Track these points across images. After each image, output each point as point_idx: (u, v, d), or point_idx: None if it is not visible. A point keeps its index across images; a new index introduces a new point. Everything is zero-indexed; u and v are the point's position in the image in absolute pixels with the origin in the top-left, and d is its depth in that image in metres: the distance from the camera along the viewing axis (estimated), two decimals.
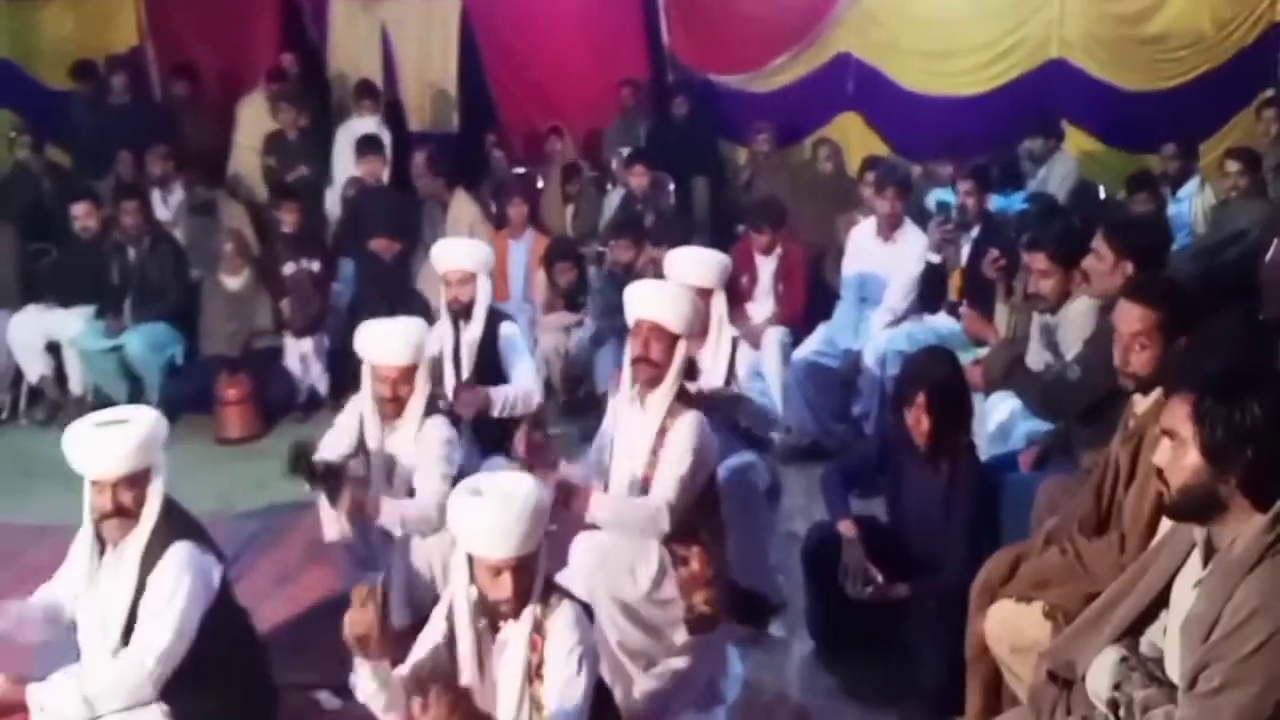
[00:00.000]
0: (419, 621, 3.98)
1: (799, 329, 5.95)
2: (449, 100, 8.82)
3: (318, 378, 6.58)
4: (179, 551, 2.87)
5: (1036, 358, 4.24)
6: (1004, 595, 3.07)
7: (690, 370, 3.88)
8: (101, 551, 2.98)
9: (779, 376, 5.54)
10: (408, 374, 3.87)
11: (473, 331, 4.66)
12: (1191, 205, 6.43)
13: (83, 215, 6.51)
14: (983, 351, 4.98)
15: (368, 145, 6.96)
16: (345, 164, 7.58)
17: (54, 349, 6.63)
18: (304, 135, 7.80)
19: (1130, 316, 2.98)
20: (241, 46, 8.93)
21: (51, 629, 3.05)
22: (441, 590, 3.88)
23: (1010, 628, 3.01)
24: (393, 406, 3.88)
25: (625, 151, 7.46)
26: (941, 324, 5.56)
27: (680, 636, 3.63)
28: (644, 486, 3.59)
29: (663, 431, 3.59)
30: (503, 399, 4.49)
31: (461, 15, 8.72)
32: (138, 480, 2.89)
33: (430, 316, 6.22)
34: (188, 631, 2.84)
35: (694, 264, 4.36)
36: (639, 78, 8.53)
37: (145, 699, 2.81)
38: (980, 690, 3.20)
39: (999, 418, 4.45)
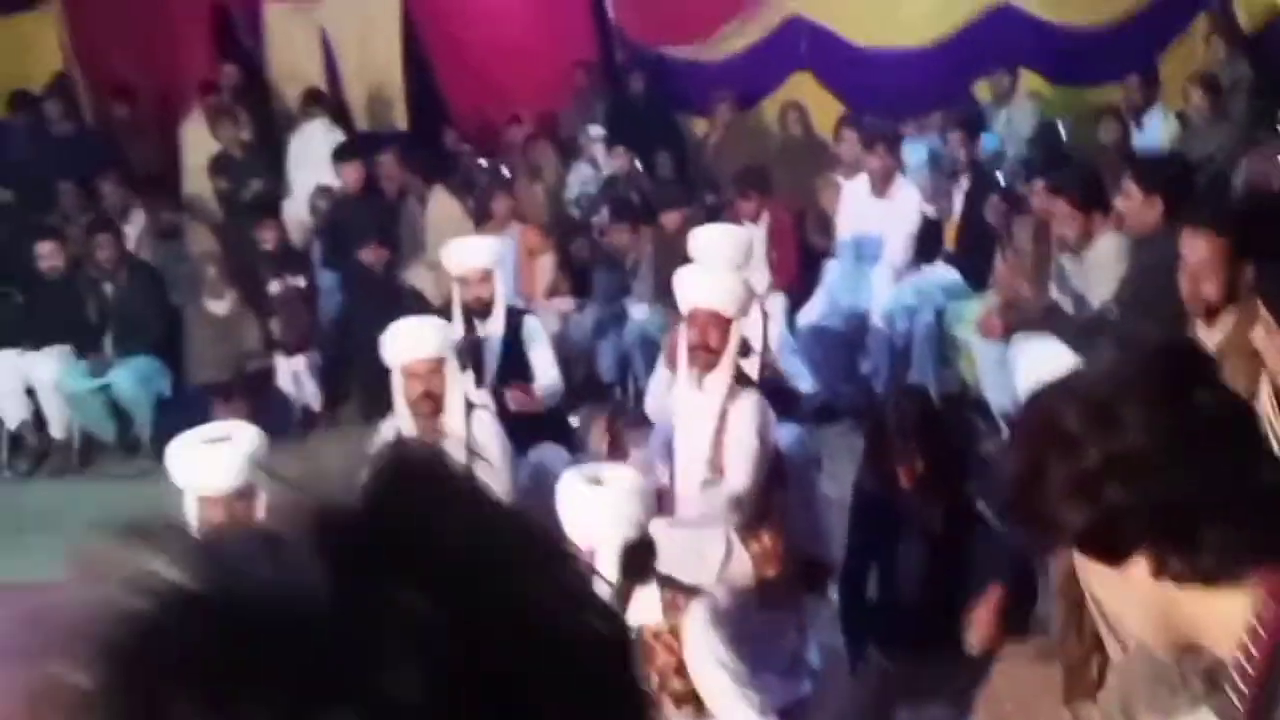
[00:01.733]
0: None
1: (794, 292, 6.01)
2: (396, 98, 8.67)
3: (311, 395, 6.48)
4: None
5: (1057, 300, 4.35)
6: None
7: (743, 348, 3.92)
8: None
9: (784, 341, 5.60)
10: (439, 367, 3.84)
11: (494, 328, 4.63)
12: (1156, 134, 6.60)
13: (49, 254, 6.29)
14: (992, 299, 5.10)
15: (345, 152, 6.81)
16: (303, 174, 7.42)
17: (29, 393, 6.41)
18: (249, 149, 7.60)
19: (1196, 245, 3.06)
20: (174, 61, 8.65)
21: None
22: None
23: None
24: (429, 404, 3.83)
25: (593, 130, 7.42)
26: (942, 275, 5.66)
27: (751, 612, 3.69)
28: (711, 467, 3.64)
29: (724, 413, 3.65)
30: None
31: (401, 8, 8.58)
32: (246, 494, 2.93)
33: (427, 313, 6.20)
34: None
35: (721, 242, 4.41)
36: (589, 57, 8.48)
37: None
38: (1066, 619, 3.27)
39: (1025, 364, 4.54)
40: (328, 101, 7.96)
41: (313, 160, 7.26)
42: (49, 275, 6.34)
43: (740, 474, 3.56)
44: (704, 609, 2.75)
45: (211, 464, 2.95)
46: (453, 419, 3.83)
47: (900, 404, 3.39)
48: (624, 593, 2.78)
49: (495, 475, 3.85)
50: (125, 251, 6.48)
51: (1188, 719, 1.13)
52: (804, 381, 4.54)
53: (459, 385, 3.90)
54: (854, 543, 3.45)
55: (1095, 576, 1.10)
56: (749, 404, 3.64)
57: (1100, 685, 3.03)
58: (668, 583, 2.81)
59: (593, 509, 2.71)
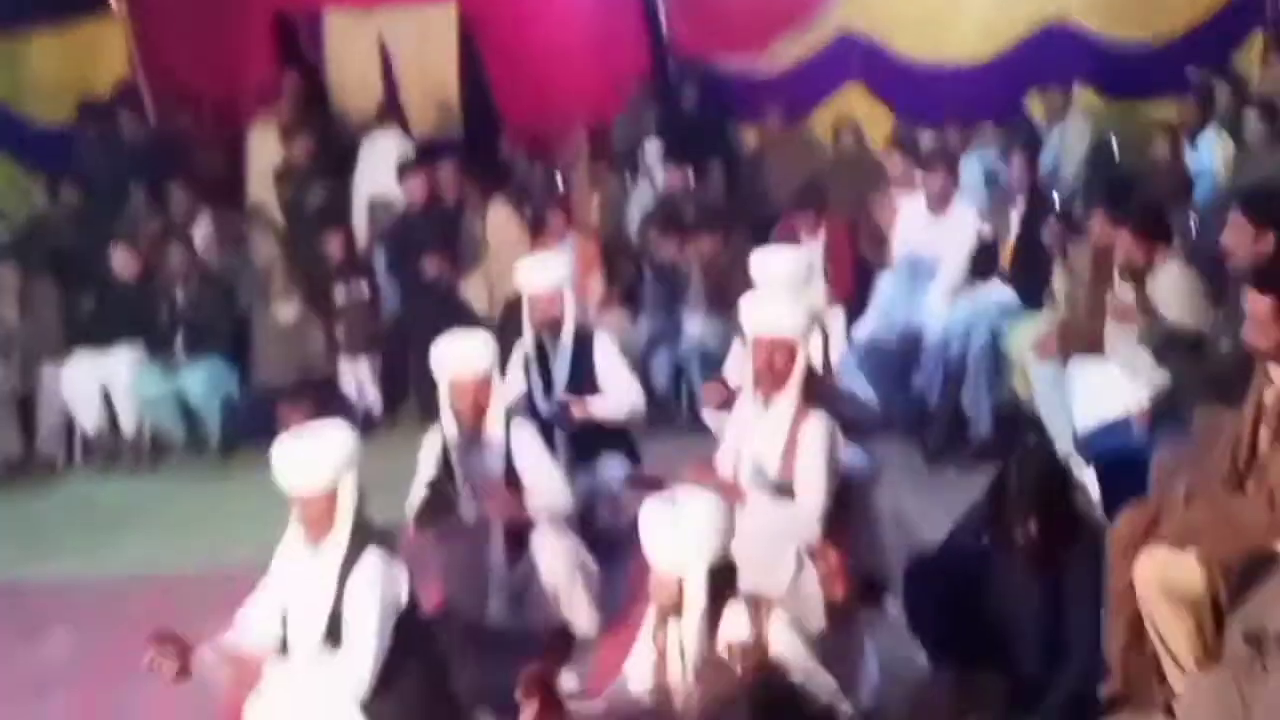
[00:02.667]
0: (523, 628, 4.14)
1: (849, 305, 6.08)
2: (452, 107, 8.80)
3: (372, 400, 6.66)
4: (372, 559, 3.11)
5: (1115, 329, 4.41)
6: (1153, 544, 3.16)
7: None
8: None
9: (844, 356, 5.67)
10: (484, 382, 4.04)
11: (563, 344, 4.75)
12: (1211, 154, 6.61)
13: (123, 260, 6.49)
14: (1048, 319, 5.16)
15: (409, 166, 6.96)
16: (369, 182, 7.57)
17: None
18: (315, 159, 7.75)
19: (1250, 298, 3.13)
20: (238, 70, 8.80)
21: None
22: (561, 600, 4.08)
23: (1162, 574, 3.09)
24: (473, 415, 4.03)
25: (650, 144, 7.51)
26: (998, 294, 5.70)
27: (817, 627, 3.79)
28: (781, 488, 3.74)
29: (793, 434, 3.75)
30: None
31: (458, 17, 8.71)
32: (334, 489, 3.14)
33: (481, 325, 6.33)
34: (385, 638, 3.08)
35: (784, 265, 4.50)
36: (642, 68, 8.58)
37: (359, 699, 3.05)
38: (1123, 640, 3.31)
39: (1082, 388, 4.59)
40: (397, 113, 8.10)
41: (380, 169, 7.40)
42: (122, 279, 6.55)
43: (812, 494, 3.67)
44: (784, 613, 2.93)
45: (306, 461, 3.10)
46: (493, 428, 4.06)
47: (1024, 465, 3.30)
48: (714, 613, 2.92)
49: (544, 470, 4.05)
50: (195, 259, 6.67)
51: None
52: (865, 394, 4.60)
53: (501, 397, 4.12)
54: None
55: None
56: (818, 424, 3.73)
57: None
58: (749, 596, 2.95)
59: (679, 535, 2.82)
